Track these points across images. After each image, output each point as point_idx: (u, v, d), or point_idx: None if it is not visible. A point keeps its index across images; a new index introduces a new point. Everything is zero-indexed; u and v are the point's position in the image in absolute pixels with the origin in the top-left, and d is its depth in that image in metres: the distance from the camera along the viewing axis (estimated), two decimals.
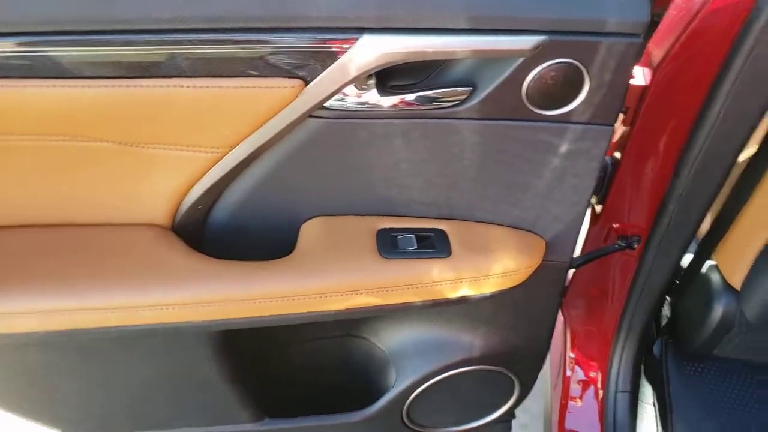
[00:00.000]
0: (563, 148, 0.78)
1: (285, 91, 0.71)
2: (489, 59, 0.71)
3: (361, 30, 0.67)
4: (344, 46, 0.68)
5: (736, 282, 1.12)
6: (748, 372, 1.30)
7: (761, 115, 0.83)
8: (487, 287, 0.87)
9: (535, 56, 0.69)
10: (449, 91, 0.73)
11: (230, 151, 0.77)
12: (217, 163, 0.78)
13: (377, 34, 0.67)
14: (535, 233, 0.89)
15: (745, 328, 1.19)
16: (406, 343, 1.05)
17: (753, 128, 0.84)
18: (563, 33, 0.68)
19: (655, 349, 1.31)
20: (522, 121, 0.75)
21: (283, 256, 0.84)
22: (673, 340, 1.32)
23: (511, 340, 1.04)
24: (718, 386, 1.28)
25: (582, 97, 0.73)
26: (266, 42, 0.67)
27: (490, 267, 0.85)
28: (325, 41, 0.68)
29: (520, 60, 0.70)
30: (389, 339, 1.07)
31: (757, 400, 1.27)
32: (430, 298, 0.86)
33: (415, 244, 0.85)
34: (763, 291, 1.09)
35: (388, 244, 0.84)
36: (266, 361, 1.12)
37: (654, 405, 1.26)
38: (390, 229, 0.86)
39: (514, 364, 1.10)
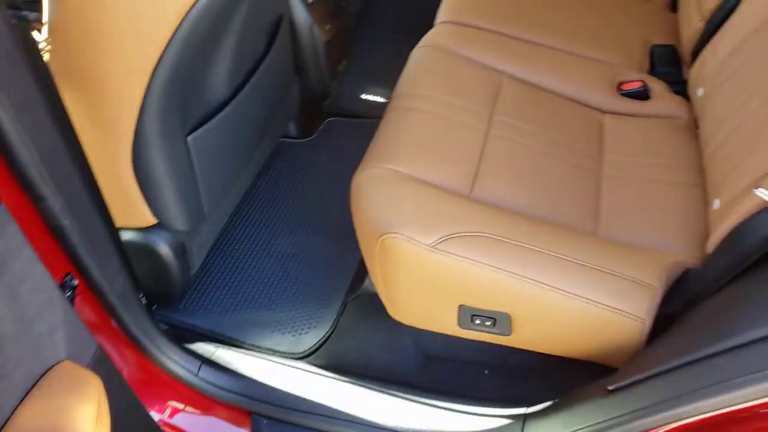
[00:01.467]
0: None
1: None
2: None
3: None
4: None
5: (146, 221, 1.13)
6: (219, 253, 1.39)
7: None
8: None
9: None
10: None
11: None
12: None
13: None
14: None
15: (194, 236, 1.21)
16: None
17: None
18: None
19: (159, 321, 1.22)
20: None
21: None
22: (161, 304, 1.29)
23: None
24: (224, 287, 1.35)
25: None
26: None
27: None
28: None
29: None
30: None
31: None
32: None
33: None
34: (172, 199, 1.12)
35: None
36: None
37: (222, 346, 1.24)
38: None
39: None
